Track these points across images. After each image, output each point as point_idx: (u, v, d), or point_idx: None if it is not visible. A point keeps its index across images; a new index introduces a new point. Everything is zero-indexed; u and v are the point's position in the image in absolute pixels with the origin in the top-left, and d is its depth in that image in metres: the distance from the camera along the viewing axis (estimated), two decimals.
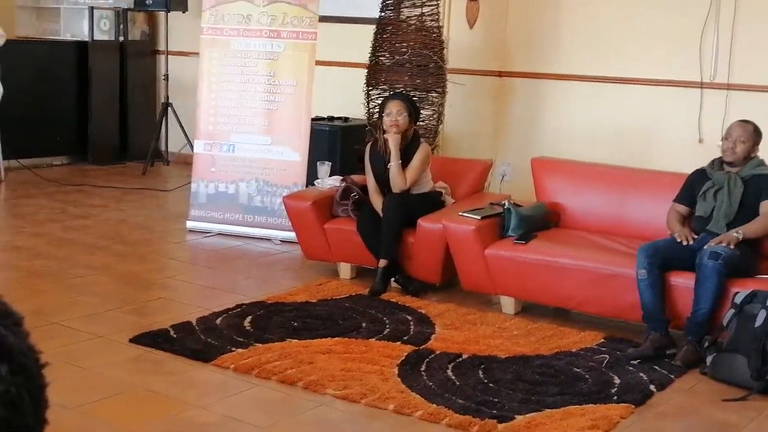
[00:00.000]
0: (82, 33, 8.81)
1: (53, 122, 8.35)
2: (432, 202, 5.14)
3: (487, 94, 7.01)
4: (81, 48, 8.54)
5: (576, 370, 3.91)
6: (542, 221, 4.95)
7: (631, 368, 3.96)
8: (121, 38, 8.70)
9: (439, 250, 4.86)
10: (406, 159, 5.11)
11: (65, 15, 9.15)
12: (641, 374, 3.90)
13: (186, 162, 7.75)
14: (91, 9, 8.66)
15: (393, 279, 5.00)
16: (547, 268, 4.52)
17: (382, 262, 4.93)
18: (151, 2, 8.26)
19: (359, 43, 6.62)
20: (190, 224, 6.21)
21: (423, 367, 3.85)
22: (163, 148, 8.63)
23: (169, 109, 8.30)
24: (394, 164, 5.08)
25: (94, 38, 8.60)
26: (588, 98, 6.62)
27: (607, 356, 4.07)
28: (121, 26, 8.69)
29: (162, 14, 8.50)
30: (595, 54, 6.55)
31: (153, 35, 8.94)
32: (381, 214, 5.02)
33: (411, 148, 5.14)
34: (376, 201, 5.13)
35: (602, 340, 4.29)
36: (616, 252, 4.56)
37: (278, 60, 6.12)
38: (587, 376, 3.84)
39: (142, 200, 7.19)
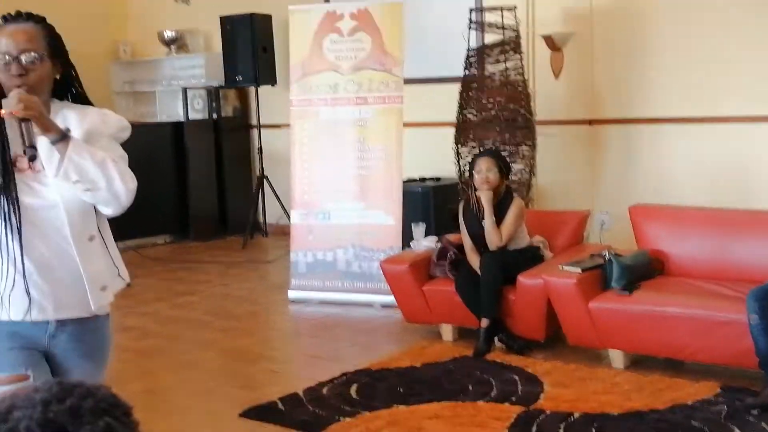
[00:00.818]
0: (177, 114, 9.13)
1: (154, 202, 8.61)
2: (530, 257, 5.08)
3: (578, 143, 6.94)
4: (177, 128, 8.84)
5: (694, 423, 3.76)
6: (646, 270, 4.82)
7: (751, 419, 3.79)
8: (215, 115, 8.97)
9: (542, 305, 4.79)
10: (500, 215, 5.08)
11: (160, 98, 9.52)
12: (763, 424, 3.73)
13: (284, 232, 7.88)
14: (185, 90, 8.98)
15: (496, 338, 4.94)
16: (655, 319, 4.40)
17: (484, 322, 4.88)
18: (240, 79, 8.51)
19: (446, 102, 6.67)
20: (291, 294, 6.29)
21: (534, 429, 3.77)
22: (261, 219, 8.80)
23: (265, 181, 8.48)
24: (488, 221, 5.06)
25: (189, 118, 8.90)
26: (684, 140, 6.47)
27: (725, 407, 3.92)
28: (214, 104, 8.97)
29: (252, 89, 8.75)
30: (687, 95, 6.42)
31: (245, 110, 9.19)
32: (479, 273, 4.98)
33: (504, 204, 5.11)
34: (473, 259, 5.10)
35: (719, 390, 4.13)
36: (726, 297, 4.41)
37: (367, 126, 6.20)
38: (706, 429, 3.69)
39: (245, 273, 7.32)
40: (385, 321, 5.75)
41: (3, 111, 2.23)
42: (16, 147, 2.29)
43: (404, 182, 6.30)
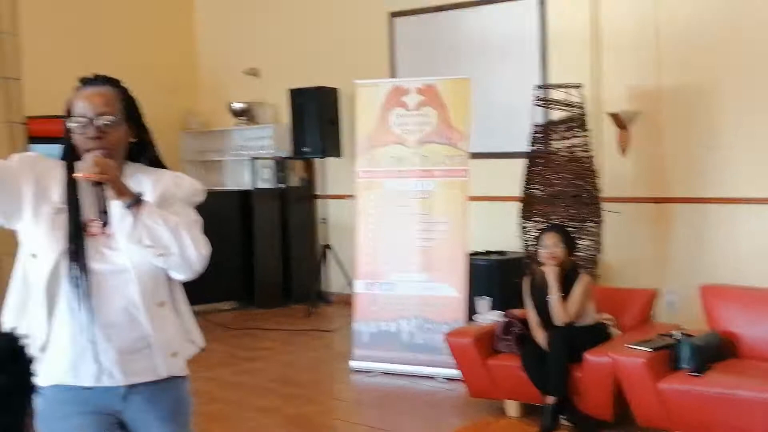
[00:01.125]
0: (244, 183, 9.31)
1: (221, 268, 8.69)
2: (597, 335, 5.03)
3: (646, 221, 6.90)
4: (244, 196, 9.00)
5: None
6: (717, 351, 4.74)
7: None
8: (281, 185, 9.14)
9: (609, 384, 4.73)
10: (566, 291, 5.06)
11: (229, 167, 9.75)
12: None
13: (347, 302, 7.92)
14: (253, 159, 9.18)
15: (562, 416, 4.88)
16: (728, 402, 4.31)
17: (550, 399, 4.84)
18: (308, 150, 8.68)
19: (511, 176, 6.71)
20: (354, 364, 6.31)
21: None
22: (324, 289, 8.87)
23: (329, 250, 8.58)
24: (554, 297, 5.05)
25: (257, 186, 9.07)
26: (754, 220, 6.39)
27: None
28: (281, 174, 9.14)
29: (318, 161, 8.90)
30: (758, 173, 6.36)
31: (311, 181, 9.34)
32: (545, 349, 4.96)
33: (570, 279, 5.10)
34: (539, 335, 5.08)
35: None
36: None
37: (431, 198, 6.26)
38: None
39: (308, 341, 7.37)
40: (449, 394, 5.72)
41: (77, 174, 2.25)
42: (88, 211, 2.31)
43: (469, 255, 6.32)
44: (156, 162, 2.45)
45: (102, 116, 2.30)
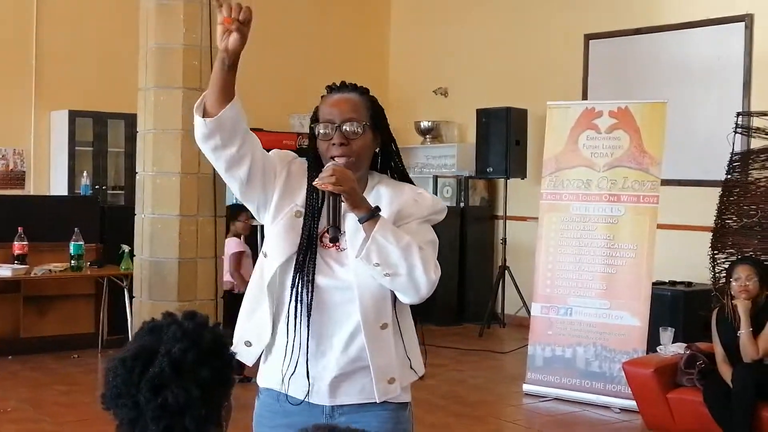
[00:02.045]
0: None
1: None
2: None
3: None
4: None
5: None
6: None
7: None
8: (462, 204, 9.15)
9: None
10: (757, 326, 4.82)
11: None
12: None
13: (521, 324, 7.83)
14: (435, 178, 9.25)
15: None
16: None
17: None
18: (491, 170, 8.65)
19: (702, 205, 6.43)
20: (526, 387, 6.20)
21: None
22: (499, 310, 8.79)
23: (506, 272, 8.50)
24: (744, 332, 4.81)
25: None
26: None
27: None
28: (463, 193, 9.16)
29: (501, 181, 8.86)
30: None
31: (492, 201, 9.31)
32: (731, 386, 4.70)
33: (763, 315, 4.86)
34: (725, 371, 4.84)
35: None
36: None
37: (618, 224, 6.08)
38: None
39: (480, 361, 7.32)
40: (624, 425, 5.53)
41: (316, 181, 2.15)
42: (326, 221, 2.20)
43: (653, 284, 6.09)
44: (401, 174, 2.34)
45: (348, 122, 2.22)
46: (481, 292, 8.91)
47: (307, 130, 2.35)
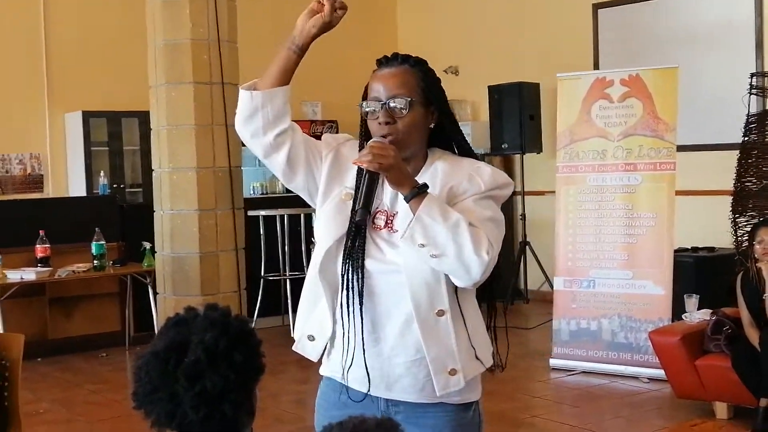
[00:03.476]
0: None
1: None
2: None
3: None
4: None
5: None
6: None
7: None
8: None
9: None
10: None
11: None
12: None
13: (545, 299, 7.81)
14: None
15: None
16: None
17: (764, 401, 4.55)
18: (506, 146, 8.62)
19: (721, 169, 6.39)
20: (553, 362, 6.20)
21: None
22: (522, 286, 8.78)
23: (527, 247, 8.48)
24: None
25: None
26: None
27: None
28: None
29: (517, 156, 8.83)
30: None
31: (509, 177, 9.26)
32: (759, 349, 4.67)
33: None
34: (752, 335, 4.81)
35: None
36: None
37: (636, 193, 6.05)
38: None
39: (505, 338, 7.29)
40: (653, 395, 5.51)
41: (354, 160, 2.03)
42: (380, 201, 2.08)
43: (675, 252, 6.06)
44: (463, 149, 2.18)
45: (394, 99, 2.06)
46: (503, 269, 8.83)
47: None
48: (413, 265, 2.02)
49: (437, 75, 2.17)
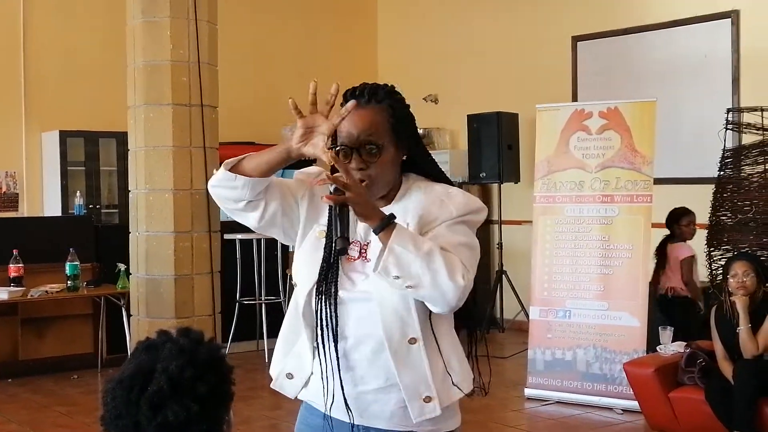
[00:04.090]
0: None
1: None
2: None
3: None
4: None
5: None
6: None
7: None
8: None
9: None
10: (756, 322, 4.81)
11: None
12: None
13: (521, 329, 7.82)
14: None
15: None
16: None
17: None
18: (484, 175, 8.65)
19: (696, 203, 6.44)
20: (528, 391, 6.19)
21: None
22: (498, 314, 8.78)
23: (504, 276, 8.49)
24: (743, 329, 4.80)
25: None
26: None
27: None
28: None
29: (495, 186, 8.86)
30: None
31: (486, 206, 9.28)
32: (732, 382, 4.70)
33: (761, 310, 4.86)
34: (726, 368, 4.84)
35: None
36: None
37: (613, 224, 6.08)
38: None
39: (480, 367, 7.27)
40: (627, 426, 5.51)
41: (323, 198, 1.99)
42: (354, 233, 2.07)
43: (650, 283, 6.09)
44: (435, 175, 2.16)
45: (365, 145, 2.05)
46: (479, 297, 8.88)
47: None
48: (383, 294, 2.02)
49: (406, 102, 2.16)
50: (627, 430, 5.45)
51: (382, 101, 2.09)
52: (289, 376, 2.16)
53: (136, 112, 6.27)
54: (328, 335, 2.04)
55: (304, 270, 2.10)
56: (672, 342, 5.42)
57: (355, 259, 2.09)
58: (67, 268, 6.76)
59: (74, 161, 8.39)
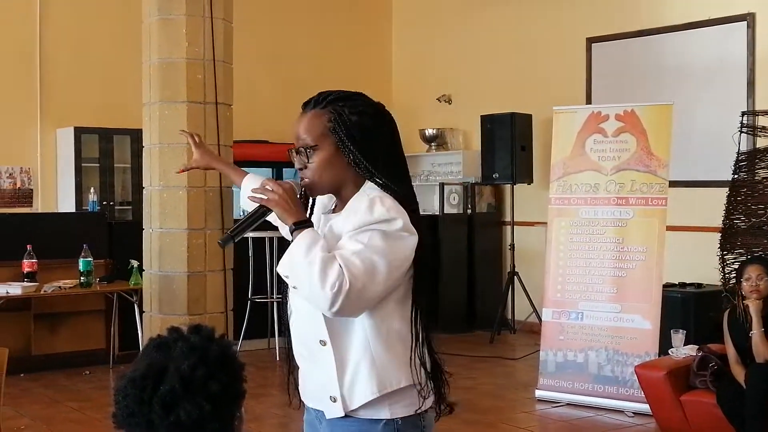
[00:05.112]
0: (432, 207, 9.38)
1: None
2: None
3: None
4: (432, 221, 9.06)
5: None
6: None
7: None
8: (470, 211, 9.14)
9: None
10: None
11: (418, 192, 9.80)
12: None
13: (532, 330, 7.81)
14: (442, 185, 9.24)
15: None
16: None
17: None
18: (497, 176, 8.64)
19: (710, 206, 6.41)
20: (539, 393, 6.18)
21: None
22: (509, 316, 8.77)
23: (516, 277, 8.48)
24: (756, 332, 4.78)
25: (444, 212, 9.12)
26: None
27: None
28: (469, 199, 9.16)
29: (508, 187, 8.85)
30: None
31: (499, 207, 9.30)
32: (744, 386, 4.68)
33: None
34: (738, 372, 4.82)
35: None
36: None
37: (627, 227, 6.06)
38: None
39: (491, 368, 7.29)
40: (638, 429, 5.50)
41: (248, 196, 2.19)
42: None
43: (664, 287, 6.07)
44: (384, 185, 2.14)
45: (300, 147, 2.17)
46: (490, 298, 8.90)
47: None
48: (294, 296, 2.18)
49: (367, 109, 2.18)
50: None
51: (326, 107, 2.16)
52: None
53: (151, 109, 6.28)
54: (283, 331, 2.26)
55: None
56: (684, 345, 5.41)
57: None
58: (81, 264, 6.79)
59: (88, 158, 8.42)
